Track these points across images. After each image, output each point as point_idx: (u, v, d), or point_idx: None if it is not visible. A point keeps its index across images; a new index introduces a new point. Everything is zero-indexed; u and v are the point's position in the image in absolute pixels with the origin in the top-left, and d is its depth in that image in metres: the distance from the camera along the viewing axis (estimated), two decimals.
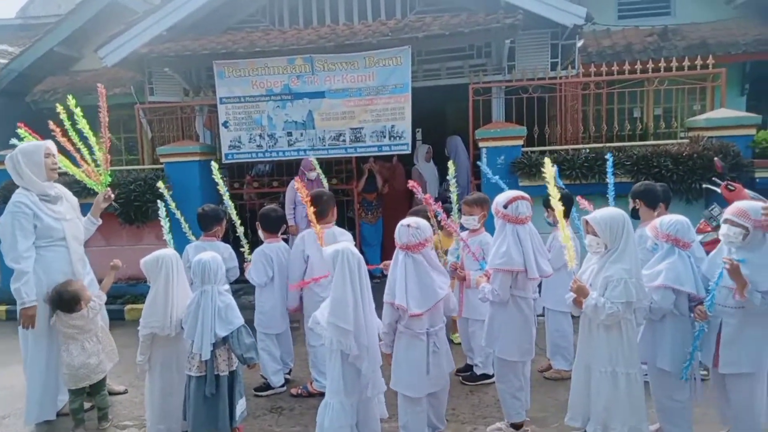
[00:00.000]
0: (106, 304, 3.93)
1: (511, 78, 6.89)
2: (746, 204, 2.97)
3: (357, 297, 2.93)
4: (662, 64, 6.49)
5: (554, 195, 2.95)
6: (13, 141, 4.12)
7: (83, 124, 4.11)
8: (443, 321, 3.17)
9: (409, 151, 6.63)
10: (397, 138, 6.54)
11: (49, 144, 3.93)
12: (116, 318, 5.38)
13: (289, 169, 7.28)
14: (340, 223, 7.36)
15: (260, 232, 4.24)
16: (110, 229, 6.84)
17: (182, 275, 3.45)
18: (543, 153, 6.42)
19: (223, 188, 4.15)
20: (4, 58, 10.14)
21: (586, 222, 2.97)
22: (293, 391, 4.12)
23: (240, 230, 4.12)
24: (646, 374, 3.16)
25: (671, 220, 3.06)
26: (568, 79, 6.79)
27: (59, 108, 4.16)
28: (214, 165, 4.23)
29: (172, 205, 3.99)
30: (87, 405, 3.78)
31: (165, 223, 3.70)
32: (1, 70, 9.53)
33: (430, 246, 3.05)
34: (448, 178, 4.12)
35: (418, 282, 2.96)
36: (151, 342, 3.37)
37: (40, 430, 3.77)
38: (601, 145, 6.42)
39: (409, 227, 2.98)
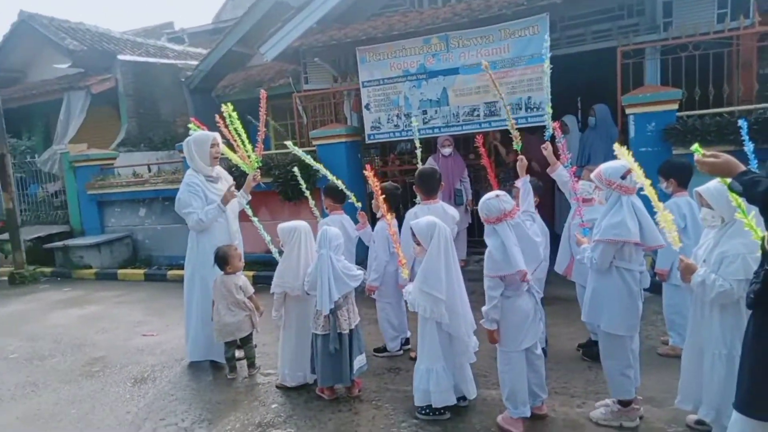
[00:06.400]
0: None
1: (667, 36, 6.23)
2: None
3: (450, 269, 3.11)
4: None
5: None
6: (189, 131, 4.97)
7: (237, 124, 4.63)
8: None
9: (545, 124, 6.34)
10: (534, 110, 6.36)
11: (216, 135, 4.67)
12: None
13: (427, 147, 7.53)
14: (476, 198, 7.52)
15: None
16: (274, 206, 7.84)
17: (312, 243, 3.91)
18: (701, 117, 5.76)
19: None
20: (198, 60, 11.89)
21: (699, 194, 2.73)
22: (413, 354, 4.38)
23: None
24: None
25: None
26: (739, 32, 5.94)
27: (223, 108, 4.86)
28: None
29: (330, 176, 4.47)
30: (239, 354, 4.49)
31: (309, 196, 4.19)
32: (193, 71, 11.21)
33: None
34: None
35: (523, 245, 2.99)
36: (284, 300, 3.91)
37: (204, 370, 4.58)
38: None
39: (498, 197, 3.03)
